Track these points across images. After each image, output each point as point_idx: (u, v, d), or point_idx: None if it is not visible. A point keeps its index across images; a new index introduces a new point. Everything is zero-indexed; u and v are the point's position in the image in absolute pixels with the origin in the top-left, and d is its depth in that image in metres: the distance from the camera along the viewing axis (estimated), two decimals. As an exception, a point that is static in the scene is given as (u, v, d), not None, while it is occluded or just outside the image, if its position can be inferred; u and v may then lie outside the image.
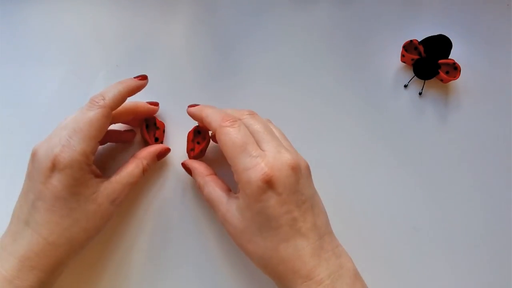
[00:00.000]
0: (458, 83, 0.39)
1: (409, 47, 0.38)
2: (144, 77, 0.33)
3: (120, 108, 0.32)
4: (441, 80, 0.38)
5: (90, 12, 0.41)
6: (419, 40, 0.38)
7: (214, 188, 0.31)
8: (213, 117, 0.30)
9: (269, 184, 0.26)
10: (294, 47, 0.40)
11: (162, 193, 0.36)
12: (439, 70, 0.38)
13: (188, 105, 0.34)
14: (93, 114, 0.29)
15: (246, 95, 0.38)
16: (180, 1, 0.41)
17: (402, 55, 0.39)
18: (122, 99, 0.31)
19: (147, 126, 0.36)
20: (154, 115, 0.37)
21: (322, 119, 0.38)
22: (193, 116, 0.33)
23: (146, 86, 0.38)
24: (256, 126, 0.30)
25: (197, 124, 0.35)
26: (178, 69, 0.39)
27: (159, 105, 0.37)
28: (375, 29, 0.40)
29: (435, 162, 0.37)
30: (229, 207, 0.29)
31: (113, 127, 0.36)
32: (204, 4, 0.41)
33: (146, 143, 0.36)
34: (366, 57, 0.40)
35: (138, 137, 0.37)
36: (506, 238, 0.36)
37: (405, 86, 0.39)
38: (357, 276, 0.28)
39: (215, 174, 0.33)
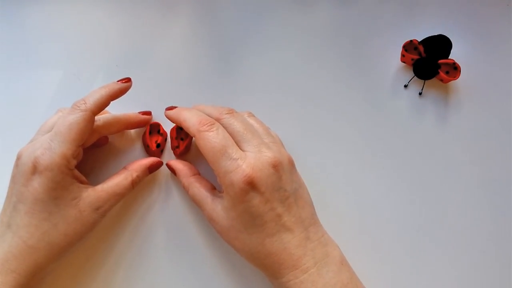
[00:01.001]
0: (458, 83, 0.39)
1: (409, 47, 0.38)
2: (127, 80, 0.33)
3: (111, 119, 0.33)
4: (441, 80, 0.38)
5: (90, 12, 0.41)
6: (419, 40, 0.38)
7: (199, 189, 0.32)
8: (190, 121, 0.30)
9: (251, 185, 0.27)
10: (294, 48, 0.40)
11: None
12: (439, 70, 0.38)
13: (165, 107, 0.34)
14: (74, 117, 0.29)
15: (246, 96, 0.38)
16: (180, 2, 0.41)
17: (402, 55, 0.39)
18: (105, 102, 0.31)
19: (150, 132, 0.36)
20: (159, 122, 0.37)
21: (322, 119, 0.38)
22: (171, 120, 0.33)
23: (146, 87, 0.38)
24: (235, 126, 0.30)
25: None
26: (178, 70, 0.39)
27: (161, 107, 0.37)
28: (375, 29, 0.40)
29: (435, 162, 0.37)
30: (214, 206, 0.30)
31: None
32: (204, 5, 0.41)
33: (147, 148, 0.36)
34: (366, 57, 0.40)
35: (139, 143, 0.37)
36: (507, 238, 0.36)
37: (405, 86, 0.39)
38: (343, 262, 0.29)
39: (199, 174, 0.34)
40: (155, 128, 0.36)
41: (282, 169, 0.29)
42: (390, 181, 0.37)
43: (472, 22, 0.41)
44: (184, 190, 0.33)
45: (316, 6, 0.41)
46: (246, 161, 0.28)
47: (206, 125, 0.29)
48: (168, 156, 0.36)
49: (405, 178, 0.37)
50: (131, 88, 0.38)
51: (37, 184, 0.27)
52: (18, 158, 0.29)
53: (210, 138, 0.28)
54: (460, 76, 0.37)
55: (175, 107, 0.34)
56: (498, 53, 0.40)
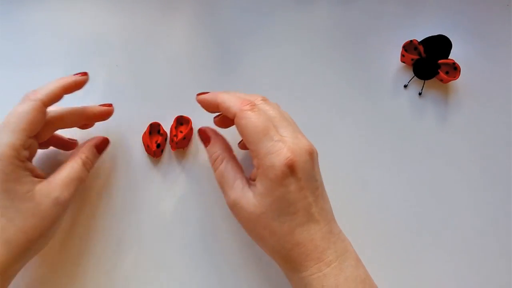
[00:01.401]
0: (458, 83, 0.39)
1: (409, 47, 0.38)
2: (84, 74, 0.32)
3: (65, 111, 0.31)
4: (441, 80, 0.38)
5: (90, 12, 0.41)
6: (419, 40, 0.38)
7: (232, 167, 0.30)
8: (231, 101, 0.29)
9: (291, 169, 0.27)
10: (294, 47, 0.40)
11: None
12: (439, 70, 0.38)
13: (196, 93, 0.32)
14: (24, 107, 0.28)
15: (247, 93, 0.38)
16: (181, 1, 0.41)
17: (402, 55, 0.39)
18: (58, 94, 0.30)
19: (150, 132, 0.36)
20: (159, 122, 0.36)
21: (322, 119, 0.38)
22: (206, 103, 0.31)
23: (146, 87, 0.38)
24: (271, 112, 0.29)
25: (179, 115, 0.36)
26: (178, 69, 0.39)
27: (161, 106, 0.37)
28: (375, 29, 0.41)
29: (435, 162, 0.37)
30: (246, 192, 0.29)
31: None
32: (204, 4, 0.41)
33: (147, 148, 0.36)
34: (366, 57, 0.40)
35: (139, 142, 0.37)
36: (507, 237, 0.36)
37: (405, 86, 0.39)
38: (358, 259, 0.29)
39: (232, 151, 0.32)
40: (155, 128, 0.36)
41: (315, 158, 0.29)
42: (390, 181, 0.37)
43: (472, 22, 0.41)
44: (212, 163, 0.31)
45: (316, 6, 0.41)
46: (287, 145, 0.27)
47: (249, 105, 0.28)
48: (169, 156, 0.36)
49: (405, 178, 0.37)
50: (131, 88, 0.38)
51: None
52: None
53: (253, 118, 0.28)
54: (460, 76, 0.37)
55: (207, 92, 0.32)
56: (498, 53, 0.40)
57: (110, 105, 0.34)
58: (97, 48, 0.40)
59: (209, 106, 0.31)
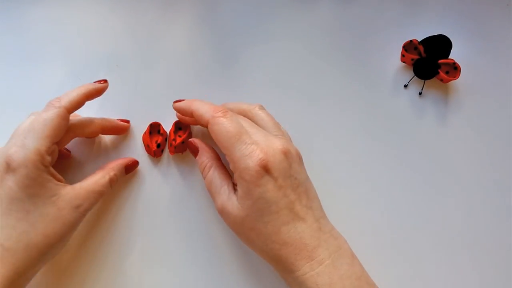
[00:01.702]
0: (458, 83, 0.39)
1: (409, 47, 0.38)
2: (104, 81, 0.34)
3: (86, 120, 0.33)
4: (441, 80, 0.38)
5: (90, 12, 0.41)
6: (419, 40, 0.38)
7: (219, 174, 0.31)
8: (204, 109, 0.30)
9: (265, 168, 0.27)
10: (294, 47, 0.40)
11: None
12: (439, 70, 0.38)
13: (173, 101, 0.34)
14: (48, 114, 0.29)
15: (248, 95, 0.38)
16: (181, 1, 0.41)
17: (402, 55, 0.39)
18: (80, 101, 0.31)
19: (150, 132, 0.36)
20: (159, 122, 0.37)
21: (322, 119, 0.38)
22: (181, 110, 0.33)
23: (146, 87, 0.38)
24: (242, 121, 0.30)
25: (177, 120, 0.36)
26: (179, 69, 0.39)
27: (162, 106, 0.37)
28: (375, 29, 0.41)
29: (435, 162, 0.37)
30: (231, 197, 0.29)
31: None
32: (205, 4, 0.41)
33: (147, 148, 0.36)
34: (366, 57, 0.40)
35: (139, 143, 0.37)
36: (507, 238, 0.36)
37: (405, 86, 0.39)
38: (354, 255, 0.29)
39: (220, 159, 0.33)
40: (155, 128, 0.36)
41: (292, 157, 0.29)
42: (390, 180, 0.37)
43: (472, 22, 0.41)
44: (202, 171, 0.32)
45: (317, 5, 0.41)
46: (259, 146, 0.28)
47: (221, 112, 0.29)
48: (168, 157, 0.36)
49: (405, 178, 0.37)
50: (131, 88, 0.38)
51: (12, 183, 0.27)
52: None
53: (225, 123, 0.29)
54: (460, 76, 0.37)
55: (183, 100, 0.34)
56: (498, 53, 0.40)
57: (128, 121, 0.36)
58: (98, 47, 0.40)
59: (184, 114, 0.33)
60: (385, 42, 0.40)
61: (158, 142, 0.36)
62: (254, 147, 0.28)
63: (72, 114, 0.32)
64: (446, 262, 0.35)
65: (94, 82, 0.33)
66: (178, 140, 0.35)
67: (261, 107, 0.33)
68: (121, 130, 0.36)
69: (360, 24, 0.41)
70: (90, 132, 0.33)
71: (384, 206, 0.36)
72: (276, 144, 0.29)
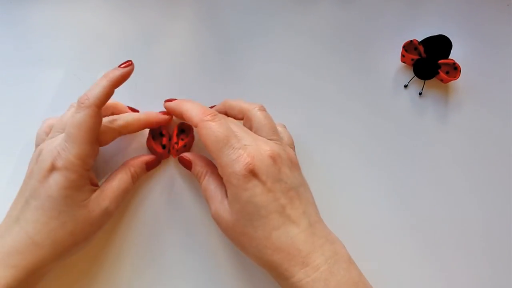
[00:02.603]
0: (458, 83, 0.39)
1: (409, 47, 0.38)
2: (129, 64, 0.31)
3: (131, 119, 0.33)
4: (441, 80, 0.38)
5: (90, 12, 0.41)
6: (419, 40, 0.38)
7: (212, 181, 0.31)
8: (193, 111, 0.30)
9: (252, 172, 0.27)
10: (295, 47, 0.40)
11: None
12: (439, 70, 0.38)
13: (164, 100, 0.34)
14: (80, 116, 0.28)
15: (248, 95, 0.38)
16: (181, 2, 0.41)
17: (402, 55, 0.39)
18: (108, 93, 0.30)
19: (153, 136, 0.36)
20: (159, 126, 0.36)
21: (322, 119, 0.38)
22: (171, 110, 0.33)
23: (146, 87, 0.38)
24: (233, 124, 0.30)
25: (180, 122, 0.36)
26: (179, 69, 0.39)
27: (162, 106, 0.37)
28: (375, 29, 0.40)
29: (435, 162, 0.37)
30: (223, 201, 0.30)
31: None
32: (205, 5, 0.41)
33: (153, 152, 0.36)
34: (366, 57, 0.40)
35: (140, 143, 0.37)
36: (506, 238, 0.36)
37: (405, 86, 0.39)
38: (351, 261, 0.29)
39: (214, 166, 0.33)
40: (157, 132, 0.36)
41: (281, 162, 0.29)
42: (390, 180, 0.37)
43: (472, 22, 0.41)
44: (198, 179, 0.33)
45: (317, 6, 0.41)
46: (247, 151, 0.28)
47: (210, 115, 0.29)
48: (170, 158, 0.36)
49: (405, 178, 0.37)
50: (131, 88, 0.38)
51: (53, 181, 0.28)
52: (39, 153, 0.29)
53: (214, 128, 0.28)
54: (460, 76, 0.37)
55: (175, 99, 0.34)
56: (498, 53, 0.40)
57: (169, 113, 0.35)
58: (98, 47, 0.39)
59: (175, 114, 0.33)
60: (385, 42, 0.40)
61: (163, 143, 0.35)
62: (242, 152, 0.28)
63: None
64: (446, 262, 0.35)
65: (119, 66, 0.31)
66: (180, 143, 0.35)
67: (261, 108, 0.33)
68: (163, 123, 0.35)
69: (360, 25, 0.41)
70: (135, 129, 0.34)
71: (384, 206, 0.36)
72: (264, 148, 0.29)
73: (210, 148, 0.29)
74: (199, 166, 0.33)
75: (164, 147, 0.35)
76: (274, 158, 0.28)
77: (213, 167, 0.33)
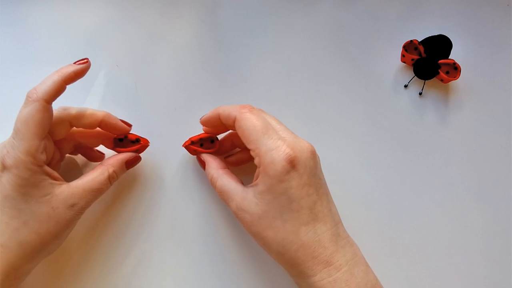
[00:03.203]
0: (458, 83, 0.39)
1: (409, 47, 0.38)
2: (85, 61, 0.30)
3: (86, 112, 0.31)
4: (441, 80, 0.38)
5: (91, 12, 0.41)
6: (419, 40, 0.38)
7: (228, 180, 0.31)
8: (230, 108, 0.30)
9: (292, 164, 0.27)
10: (295, 48, 0.40)
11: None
12: (439, 70, 0.38)
13: (199, 119, 0.33)
14: (27, 111, 0.27)
15: (249, 95, 0.38)
16: (182, 2, 0.41)
17: (402, 55, 0.39)
18: (58, 89, 0.29)
19: (121, 145, 0.34)
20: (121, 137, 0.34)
21: (322, 119, 0.38)
22: (209, 119, 0.32)
23: (146, 87, 0.38)
24: (269, 116, 0.30)
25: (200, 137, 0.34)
26: (179, 69, 0.39)
27: (162, 106, 0.37)
28: (375, 29, 0.40)
29: (435, 162, 0.37)
30: (246, 194, 0.29)
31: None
32: (206, 5, 0.41)
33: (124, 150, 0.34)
34: (366, 57, 0.40)
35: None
36: (506, 238, 0.36)
37: (405, 86, 0.39)
38: (367, 263, 0.29)
39: (228, 168, 0.33)
40: (117, 140, 0.34)
41: (317, 159, 0.29)
42: (390, 180, 0.37)
43: (472, 22, 0.41)
44: (211, 182, 0.32)
45: (317, 6, 0.41)
46: (287, 142, 0.28)
47: (247, 108, 0.29)
48: (172, 159, 0.36)
49: (405, 178, 0.37)
50: (132, 88, 0.38)
51: (5, 181, 0.27)
52: None
53: (253, 118, 0.28)
54: (460, 76, 0.37)
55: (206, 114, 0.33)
56: (498, 53, 0.40)
57: (130, 125, 0.34)
58: (97, 47, 0.39)
59: (213, 122, 0.32)
60: (385, 42, 0.40)
61: (132, 140, 0.34)
62: (281, 143, 0.27)
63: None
64: (446, 262, 0.35)
65: (75, 62, 0.30)
66: (198, 139, 0.34)
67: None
68: (120, 130, 0.33)
69: (361, 25, 0.41)
70: (88, 124, 0.31)
71: (384, 206, 0.36)
72: (303, 143, 0.29)
73: (249, 138, 0.28)
74: (211, 168, 0.32)
75: (137, 140, 0.34)
76: (313, 153, 0.28)
77: (225, 169, 0.32)
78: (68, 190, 0.29)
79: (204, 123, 0.33)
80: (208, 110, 0.33)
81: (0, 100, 0.38)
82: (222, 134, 0.35)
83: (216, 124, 0.32)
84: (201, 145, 0.34)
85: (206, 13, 0.41)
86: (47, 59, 0.39)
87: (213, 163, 0.33)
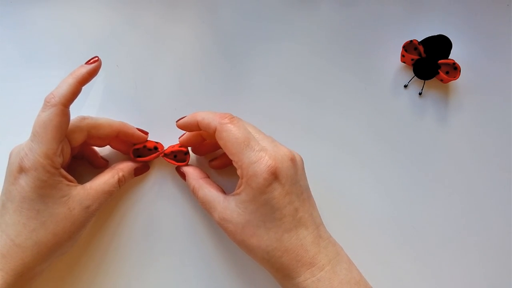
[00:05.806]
0: (458, 83, 0.39)
1: (409, 47, 0.38)
2: (95, 60, 0.31)
3: (103, 120, 0.32)
4: (441, 80, 0.38)
5: (90, 12, 0.41)
6: (419, 40, 0.38)
7: (209, 190, 0.31)
8: (209, 117, 0.30)
9: (274, 175, 0.27)
10: (295, 48, 0.40)
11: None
12: (439, 70, 0.38)
13: (175, 120, 0.33)
14: (46, 115, 0.28)
15: (249, 96, 0.38)
16: (182, 2, 0.41)
17: (402, 55, 0.39)
18: (74, 91, 0.29)
19: (138, 156, 0.35)
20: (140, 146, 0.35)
21: (322, 119, 0.38)
22: (186, 125, 0.32)
23: (146, 88, 0.38)
24: (248, 125, 0.31)
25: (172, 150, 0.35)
26: (179, 69, 0.39)
27: (161, 106, 0.37)
28: (375, 29, 0.40)
29: (435, 162, 0.37)
30: (228, 204, 0.29)
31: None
32: (206, 6, 0.41)
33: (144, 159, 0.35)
34: (366, 57, 0.40)
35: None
36: (506, 238, 0.36)
37: (405, 86, 0.39)
38: (351, 261, 0.30)
39: (209, 177, 0.34)
40: (143, 148, 0.35)
41: (297, 164, 0.29)
42: (390, 181, 0.37)
43: (472, 22, 0.41)
44: (193, 193, 0.33)
45: (317, 6, 0.41)
46: (268, 153, 0.28)
47: (228, 118, 0.29)
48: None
49: (405, 178, 0.37)
50: (132, 88, 0.38)
51: (24, 183, 0.27)
52: (9, 156, 0.29)
53: (233, 130, 0.28)
54: (460, 76, 0.37)
55: (184, 116, 0.33)
56: (498, 53, 0.40)
57: (146, 133, 0.35)
58: (98, 48, 0.39)
59: (190, 128, 0.32)
60: (385, 43, 0.40)
61: (150, 147, 0.34)
62: (263, 154, 0.28)
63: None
64: (446, 262, 0.35)
65: (86, 62, 0.31)
66: (170, 151, 0.34)
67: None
68: (137, 139, 0.34)
69: (360, 25, 0.41)
70: (105, 133, 0.32)
71: (384, 206, 0.36)
72: (283, 151, 0.29)
73: (231, 150, 0.28)
74: (192, 179, 0.33)
75: (156, 148, 0.35)
76: (292, 160, 0.29)
77: (205, 179, 0.33)
78: (83, 192, 0.30)
79: (181, 127, 0.33)
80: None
81: (0, 100, 0.38)
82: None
83: (193, 129, 0.32)
84: (175, 157, 0.35)
85: (206, 15, 0.41)
86: (47, 59, 0.39)
87: (193, 173, 0.33)
